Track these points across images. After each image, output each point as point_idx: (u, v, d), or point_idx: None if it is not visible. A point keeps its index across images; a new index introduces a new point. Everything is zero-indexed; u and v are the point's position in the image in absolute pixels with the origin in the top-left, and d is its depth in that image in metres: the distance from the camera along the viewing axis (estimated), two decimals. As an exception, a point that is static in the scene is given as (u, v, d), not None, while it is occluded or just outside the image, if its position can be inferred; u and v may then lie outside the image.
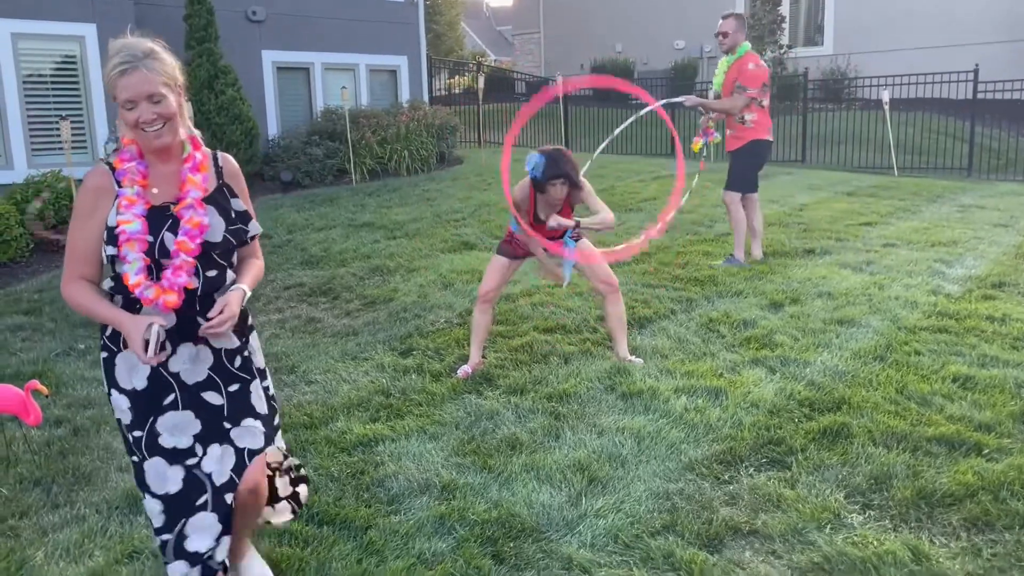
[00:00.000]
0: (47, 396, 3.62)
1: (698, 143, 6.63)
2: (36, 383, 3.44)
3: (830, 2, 19.09)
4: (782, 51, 18.02)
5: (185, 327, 2.21)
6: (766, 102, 6.38)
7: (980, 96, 12.99)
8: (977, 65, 12.88)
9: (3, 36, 9.07)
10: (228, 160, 2.38)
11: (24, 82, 9.25)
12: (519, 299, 5.57)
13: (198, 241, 2.18)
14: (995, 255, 6.49)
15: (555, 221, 4.04)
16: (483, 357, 4.46)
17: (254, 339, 2.43)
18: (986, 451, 3.25)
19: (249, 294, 2.31)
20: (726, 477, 3.19)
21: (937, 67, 13.83)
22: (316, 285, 6.31)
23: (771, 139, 6.53)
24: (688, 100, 6.57)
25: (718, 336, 4.80)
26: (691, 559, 2.64)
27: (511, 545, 2.78)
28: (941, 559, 2.60)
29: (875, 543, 2.68)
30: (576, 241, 4.28)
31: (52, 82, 9.54)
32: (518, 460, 3.36)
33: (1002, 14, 16.29)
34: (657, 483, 3.15)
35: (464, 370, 4.33)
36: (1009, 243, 6.90)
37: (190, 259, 2.17)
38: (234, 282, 2.30)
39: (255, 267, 2.41)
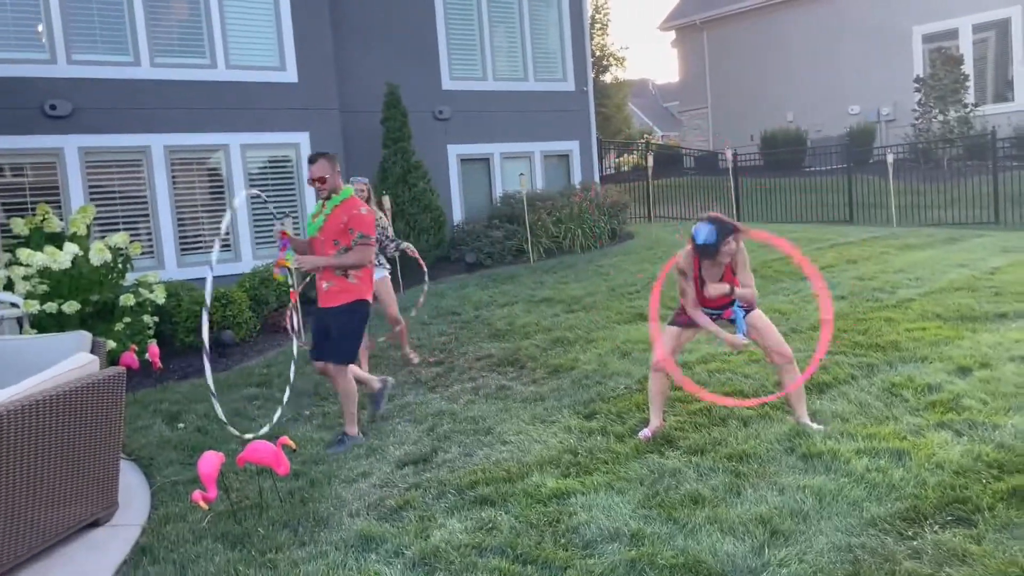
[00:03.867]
0: (295, 450, 4.29)
1: (279, 273, 5.27)
2: (286, 439, 4.11)
3: (1019, 56, 18.17)
4: (967, 110, 17.30)
5: None
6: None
7: None
8: None
9: (234, 148, 10.61)
10: None
11: (250, 185, 10.72)
12: (696, 366, 5.81)
13: None
14: None
15: (715, 291, 4.32)
16: (663, 420, 4.74)
17: None
18: None
19: None
20: (909, 533, 3.28)
21: None
22: (504, 356, 6.85)
23: (371, 300, 5.33)
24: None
25: (901, 400, 4.82)
26: (874, 605, 2.78)
27: (698, 587, 3.03)
28: None
29: (1068, 598, 2.70)
30: (747, 312, 4.52)
31: (272, 184, 10.99)
32: (701, 513, 3.61)
33: None
34: (839, 537, 3.30)
35: (645, 433, 4.63)
36: None
37: None
38: None
39: None
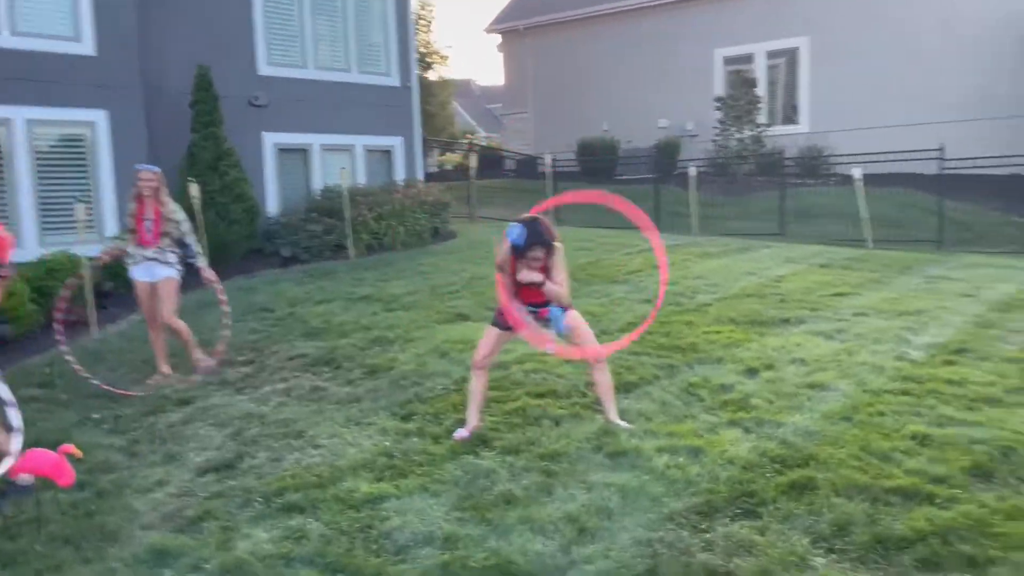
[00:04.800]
0: (79, 459, 3.91)
1: None
2: (71, 447, 3.75)
3: (805, 84, 20.04)
4: (759, 130, 18.85)
5: None
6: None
7: (946, 172, 13.66)
8: (942, 144, 13.58)
9: (19, 123, 9.58)
10: None
11: (37, 166, 9.72)
12: (512, 366, 5.91)
13: None
14: (958, 324, 6.90)
15: (527, 277, 4.43)
16: (480, 420, 4.78)
17: None
18: (938, 500, 3.58)
19: None
20: (703, 526, 3.51)
21: (910, 143, 14.57)
22: (319, 356, 6.64)
23: None
24: None
25: (698, 400, 5.15)
26: (671, 597, 2.94)
27: (508, 588, 3.07)
28: (893, 594, 2.91)
29: (836, 581, 2.99)
30: (563, 311, 4.65)
31: (63, 165, 10.02)
32: (513, 513, 3.66)
33: (964, 95, 17.19)
34: (640, 532, 3.46)
35: (461, 433, 4.65)
36: (972, 312, 7.33)
37: None
38: None
39: None
